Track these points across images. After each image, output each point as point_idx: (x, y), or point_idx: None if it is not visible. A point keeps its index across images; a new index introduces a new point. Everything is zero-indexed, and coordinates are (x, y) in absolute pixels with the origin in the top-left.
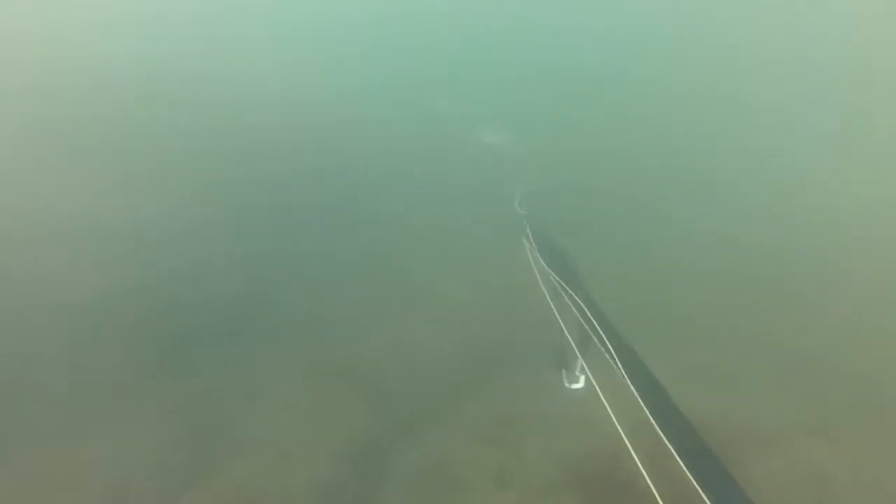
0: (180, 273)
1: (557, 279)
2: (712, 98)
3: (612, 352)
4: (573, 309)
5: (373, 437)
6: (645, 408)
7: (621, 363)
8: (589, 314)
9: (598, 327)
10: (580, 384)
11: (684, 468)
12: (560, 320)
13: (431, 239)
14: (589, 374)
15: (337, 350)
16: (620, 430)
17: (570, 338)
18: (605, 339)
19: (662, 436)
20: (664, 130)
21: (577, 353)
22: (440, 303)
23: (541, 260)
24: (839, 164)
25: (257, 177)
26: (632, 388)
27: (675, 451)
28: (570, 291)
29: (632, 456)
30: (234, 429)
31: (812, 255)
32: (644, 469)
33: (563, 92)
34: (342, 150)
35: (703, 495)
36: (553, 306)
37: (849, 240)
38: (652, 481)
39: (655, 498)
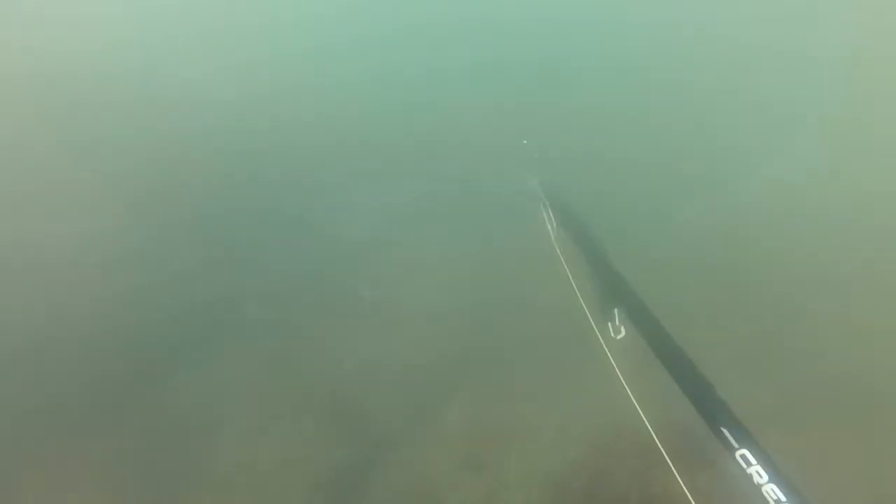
0: (131, 298)
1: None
2: (723, 90)
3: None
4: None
5: (350, 461)
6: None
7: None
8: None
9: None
10: (622, 334)
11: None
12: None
13: (415, 236)
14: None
15: (307, 369)
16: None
17: (584, 304)
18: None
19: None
20: (670, 121)
21: (614, 305)
22: (415, 313)
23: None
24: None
25: (215, 181)
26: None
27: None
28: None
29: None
30: (201, 462)
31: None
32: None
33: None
34: (313, 149)
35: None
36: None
37: (843, 238)
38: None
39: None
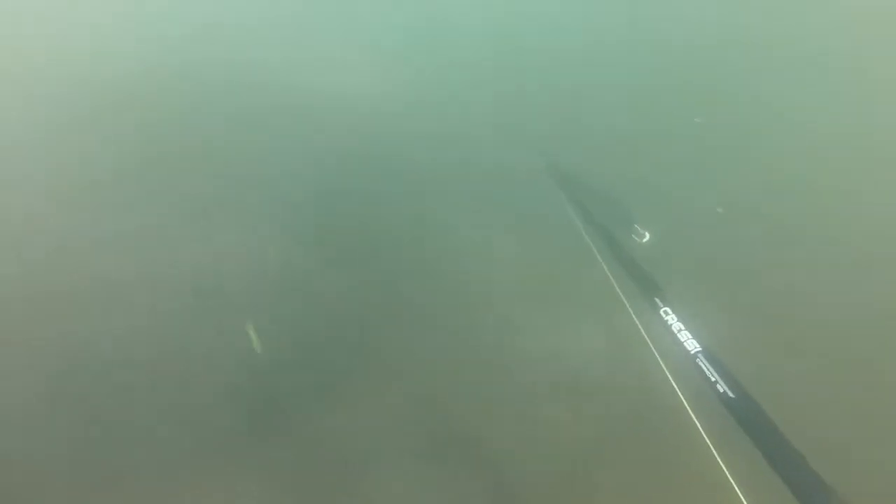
0: (266, 325)
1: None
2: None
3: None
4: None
5: None
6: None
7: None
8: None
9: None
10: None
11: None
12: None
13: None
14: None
15: (457, 423)
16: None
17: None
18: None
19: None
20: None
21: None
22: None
23: None
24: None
25: (346, 189)
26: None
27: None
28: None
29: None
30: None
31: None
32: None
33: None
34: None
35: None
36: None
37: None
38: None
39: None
